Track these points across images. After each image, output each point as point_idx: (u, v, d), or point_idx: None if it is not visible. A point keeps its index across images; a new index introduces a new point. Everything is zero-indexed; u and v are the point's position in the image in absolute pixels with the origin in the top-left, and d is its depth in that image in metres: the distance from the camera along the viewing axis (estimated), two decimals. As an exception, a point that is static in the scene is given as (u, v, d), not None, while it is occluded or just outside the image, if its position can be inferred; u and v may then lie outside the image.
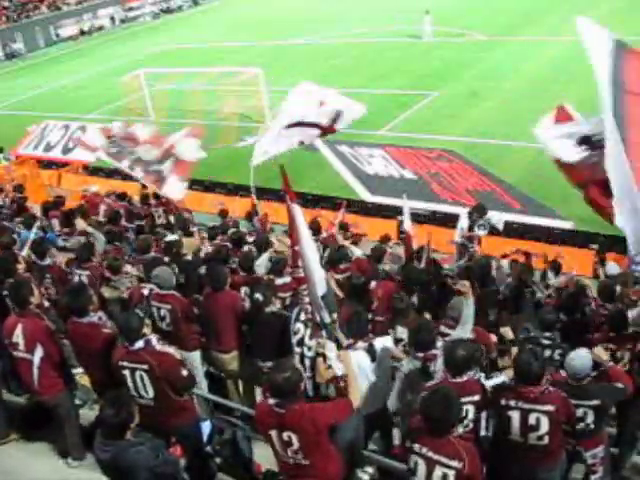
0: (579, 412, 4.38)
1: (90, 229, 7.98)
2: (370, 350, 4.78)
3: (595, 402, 4.39)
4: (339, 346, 4.80)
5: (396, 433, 5.09)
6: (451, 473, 3.59)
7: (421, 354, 4.60)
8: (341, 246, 7.82)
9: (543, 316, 5.33)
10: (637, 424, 5.16)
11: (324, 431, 3.86)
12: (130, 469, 3.78)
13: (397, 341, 5.58)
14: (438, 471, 3.62)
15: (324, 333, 4.65)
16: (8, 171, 15.19)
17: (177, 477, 4.16)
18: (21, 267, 6.21)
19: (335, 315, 4.76)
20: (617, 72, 5.17)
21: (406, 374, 4.64)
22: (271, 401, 3.83)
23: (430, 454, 3.64)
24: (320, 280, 4.57)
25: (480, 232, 9.36)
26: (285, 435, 3.82)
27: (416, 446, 3.70)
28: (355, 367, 4.49)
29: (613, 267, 7.96)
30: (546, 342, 5.14)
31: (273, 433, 3.87)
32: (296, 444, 3.81)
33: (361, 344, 4.81)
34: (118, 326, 4.78)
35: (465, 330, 4.79)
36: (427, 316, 5.85)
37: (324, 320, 4.63)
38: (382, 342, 4.90)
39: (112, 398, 3.92)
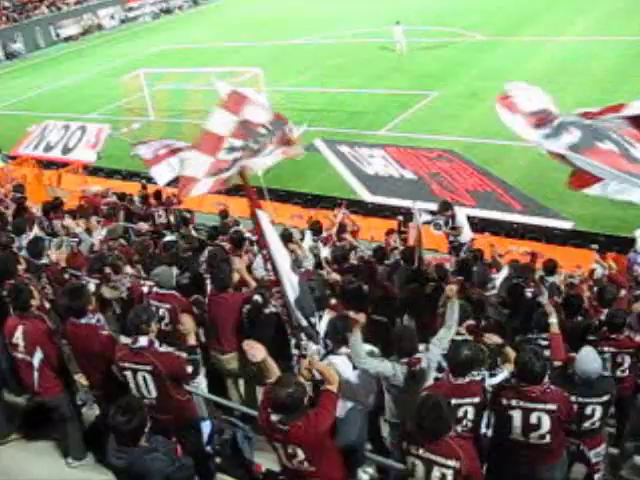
0: (588, 410, 4.38)
1: (78, 229, 7.91)
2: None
3: (605, 398, 4.39)
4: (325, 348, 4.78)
5: (388, 432, 5.08)
6: (449, 473, 3.59)
7: (405, 359, 4.58)
8: (348, 246, 7.85)
9: (540, 318, 5.31)
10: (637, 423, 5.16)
11: (327, 434, 3.85)
12: (146, 476, 3.74)
13: None
14: (436, 472, 3.62)
15: (303, 335, 4.63)
16: (6, 172, 15.17)
17: None
18: (22, 267, 6.20)
19: (313, 319, 4.72)
20: None
21: (395, 380, 4.62)
22: (274, 417, 3.77)
23: (427, 455, 3.64)
24: (292, 284, 4.53)
25: (435, 231, 9.39)
26: (290, 448, 3.80)
27: (412, 448, 3.71)
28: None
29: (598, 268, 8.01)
30: (544, 343, 5.09)
31: (278, 445, 3.86)
32: (301, 456, 3.80)
33: (344, 349, 4.70)
34: (126, 319, 4.74)
35: (449, 334, 4.78)
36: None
37: (301, 324, 4.60)
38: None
39: (124, 405, 3.81)
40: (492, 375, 4.38)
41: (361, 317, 4.80)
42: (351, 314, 4.84)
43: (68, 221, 8.26)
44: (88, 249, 7.68)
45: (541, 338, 5.18)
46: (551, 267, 7.63)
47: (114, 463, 3.87)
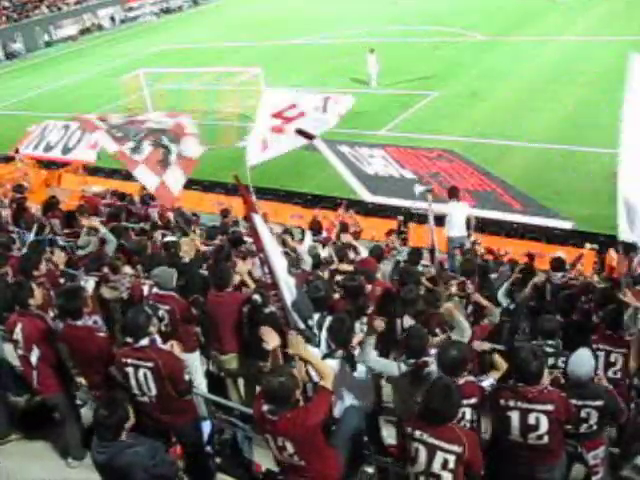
0: (583, 413, 4.36)
1: (103, 229, 7.80)
2: (349, 360, 4.65)
3: (599, 402, 4.37)
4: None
5: (388, 433, 5.07)
6: (452, 458, 3.64)
7: (412, 361, 4.55)
8: (347, 245, 7.83)
9: (544, 324, 5.20)
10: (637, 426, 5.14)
11: (317, 430, 3.85)
12: (126, 470, 3.78)
13: (404, 331, 5.56)
14: (439, 457, 3.67)
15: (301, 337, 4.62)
16: (23, 172, 15.33)
17: (174, 479, 4.16)
18: (37, 274, 6.08)
19: (310, 322, 4.72)
20: None
21: (397, 378, 4.62)
22: (265, 407, 3.80)
23: (431, 440, 3.69)
24: (289, 287, 4.53)
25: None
26: (279, 441, 3.82)
27: (417, 433, 3.74)
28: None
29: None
30: (550, 350, 5.02)
31: (268, 437, 3.88)
32: (290, 449, 3.81)
33: (341, 353, 4.66)
34: (123, 322, 4.74)
35: (463, 337, 4.77)
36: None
37: (298, 326, 4.59)
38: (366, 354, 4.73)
39: (106, 399, 3.96)
40: (479, 381, 4.37)
41: (381, 324, 4.79)
42: (376, 321, 4.82)
43: (93, 221, 8.16)
44: (114, 249, 7.58)
45: (547, 345, 5.07)
46: (558, 264, 7.63)
47: (96, 459, 3.91)
